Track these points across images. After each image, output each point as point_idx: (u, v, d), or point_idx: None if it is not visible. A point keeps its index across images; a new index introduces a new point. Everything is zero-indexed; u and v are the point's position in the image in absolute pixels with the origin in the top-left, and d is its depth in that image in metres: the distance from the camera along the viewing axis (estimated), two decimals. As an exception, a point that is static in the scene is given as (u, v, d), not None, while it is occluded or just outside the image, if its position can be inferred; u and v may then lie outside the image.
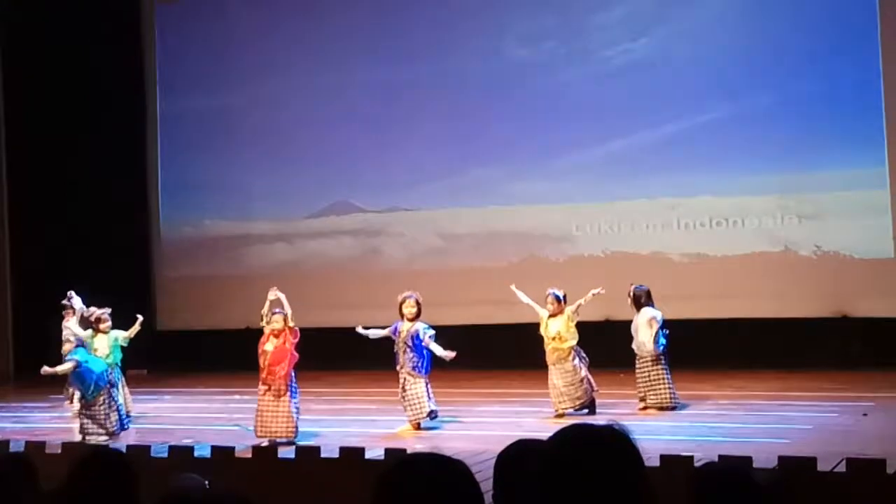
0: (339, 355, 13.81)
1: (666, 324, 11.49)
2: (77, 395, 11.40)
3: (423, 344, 10.82)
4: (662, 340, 11.39)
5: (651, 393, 11.41)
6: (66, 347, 12.35)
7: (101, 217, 16.80)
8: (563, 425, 2.39)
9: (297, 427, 10.32)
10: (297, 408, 10.40)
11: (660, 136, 15.26)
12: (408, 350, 10.83)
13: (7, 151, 17.56)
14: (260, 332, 10.62)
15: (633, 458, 2.28)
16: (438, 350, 10.78)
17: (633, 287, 11.65)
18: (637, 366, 11.50)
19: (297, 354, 10.42)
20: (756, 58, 14.83)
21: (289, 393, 10.32)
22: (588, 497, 2.21)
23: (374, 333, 11.04)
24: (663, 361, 11.39)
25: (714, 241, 15.08)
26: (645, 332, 11.43)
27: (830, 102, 14.51)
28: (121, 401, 11.49)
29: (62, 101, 17.02)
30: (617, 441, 2.29)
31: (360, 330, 11.05)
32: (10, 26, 17.39)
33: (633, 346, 11.53)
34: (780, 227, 14.81)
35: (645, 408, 11.38)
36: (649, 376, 11.43)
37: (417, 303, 10.94)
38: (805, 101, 14.59)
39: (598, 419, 10.40)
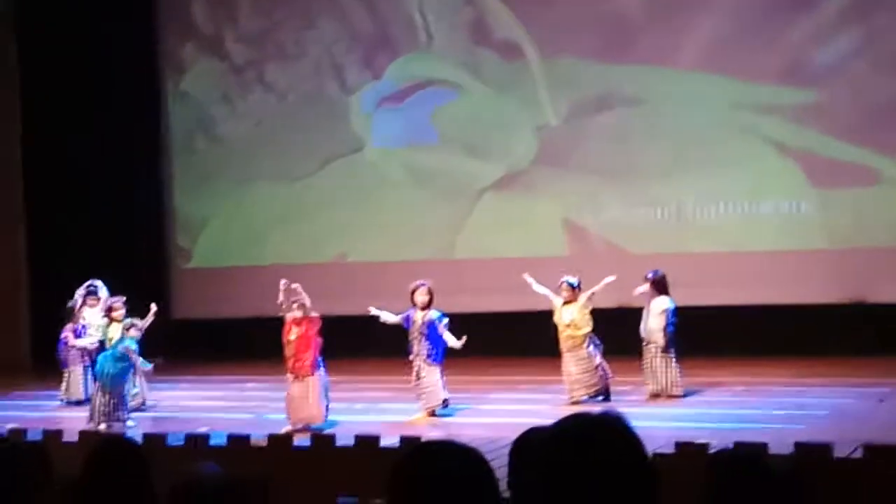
0: (353, 343, 13.82)
1: (679, 313, 11.46)
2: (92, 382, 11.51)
3: (438, 332, 10.82)
4: (671, 329, 11.37)
5: (653, 380, 11.41)
6: (89, 340, 12.42)
7: (117, 206, 16.83)
8: (569, 413, 2.39)
9: (327, 410, 10.31)
10: (327, 391, 10.38)
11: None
12: (423, 339, 10.84)
13: (23, 140, 17.61)
14: (277, 320, 10.64)
15: (632, 443, 2.28)
16: (451, 340, 10.78)
17: (648, 273, 11.63)
18: (643, 352, 11.50)
19: (321, 339, 10.41)
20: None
21: (318, 377, 10.30)
22: (591, 484, 2.22)
23: (385, 317, 11.05)
24: (670, 351, 11.37)
25: (729, 229, 15.03)
26: (654, 321, 11.42)
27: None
28: (135, 391, 11.55)
29: (77, 89, 17.02)
30: (615, 427, 2.29)
31: (372, 310, 11.07)
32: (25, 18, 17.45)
33: (641, 330, 11.50)
34: (795, 214, 14.76)
35: (654, 395, 11.37)
36: (652, 364, 11.43)
37: (430, 291, 10.95)
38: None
39: (613, 406, 10.44)
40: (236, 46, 17.35)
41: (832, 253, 14.55)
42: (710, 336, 13.63)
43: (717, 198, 15.14)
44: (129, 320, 11.42)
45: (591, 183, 15.59)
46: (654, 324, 11.41)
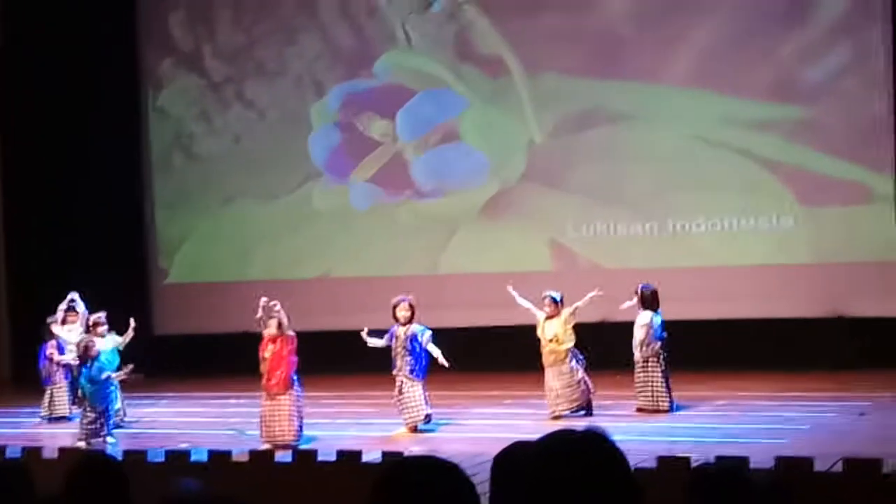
0: (335, 359, 13.80)
1: (666, 327, 11.47)
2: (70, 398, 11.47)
3: (423, 345, 10.81)
4: (656, 343, 11.37)
5: (641, 395, 11.43)
6: (71, 356, 12.33)
7: (96, 222, 16.76)
8: (555, 428, 2.40)
9: (300, 430, 10.30)
10: (300, 411, 10.37)
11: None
12: (405, 353, 10.83)
13: (1, 154, 17.51)
14: (258, 336, 10.63)
15: (616, 459, 2.29)
16: (437, 352, 10.77)
17: (639, 286, 11.63)
18: (635, 367, 11.50)
19: (295, 359, 10.40)
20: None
21: (290, 396, 10.30)
22: (575, 499, 2.23)
23: (373, 342, 11.02)
24: (656, 364, 11.37)
25: (710, 244, 15.06)
26: (639, 335, 11.44)
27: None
28: (117, 406, 11.50)
29: (56, 99, 16.93)
30: (599, 444, 2.30)
31: (363, 335, 11.02)
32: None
33: (633, 346, 11.52)
34: (775, 228, 14.82)
35: (638, 409, 11.39)
36: (640, 378, 11.45)
37: (411, 306, 10.94)
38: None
39: (595, 421, 10.45)
40: (214, 62, 17.24)
41: (814, 268, 14.60)
42: (691, 350, 13.65)
43: (703, 214, 15.13)
44: (110, 336, 11.41)
45: (576, 200, 15.54)
46: (639, 338, 11.43)
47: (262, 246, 16.89)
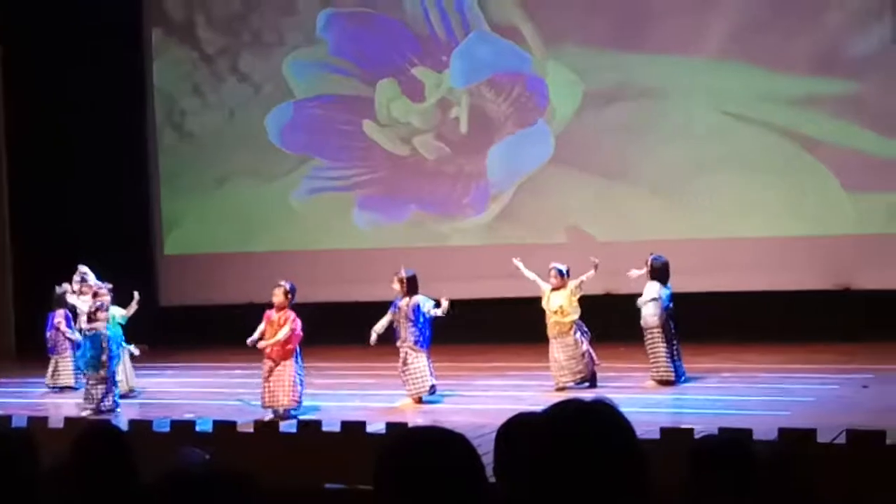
0: (340, 330, 13.81)
1: (673, 299, 11.45)
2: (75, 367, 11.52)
3: (427, 315, 10.80)
4: (663, 314, 11.37)
5: (652, 366, 11.44)
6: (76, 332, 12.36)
7: (102, 192, 16.75)
8: (561, 399, 2.40)
9: (300, 397, 10.35)
10: (302, 379, 10.43)
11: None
12: (409, 324, 10.84)
13: (7, 126, 17.50)
14: (263, 306, 10.71)
15: (623, 429, 2.29)
16: (438, 312, 10.74)
17: (651, 257, 11.61)
18: (644, 339, 11.50)
19: (300, 334, 10.42)
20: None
21: (293, 364, 10.34)
22: (582, 470, 2.23)
23: (381, 326, 11.00)
24: (665, 335, 11.37)
25: (716, 217, 14.89)
26: (649, 307, 11.43)
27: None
28: (119, 378, 11.51)
29: (62, 72, 16.88)
30: (607, 414, 2.30)
31: (374, 331, 11.00)
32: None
33: (641, 319, 11.52)
34: (782, 199, 14.55)
35: (655, 381, 11.39)
36: (650, 350, 11.45)
37: (401, 280, 10.85)
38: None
39: (599, 393, 10.46)
40: (208, 33, 16.91)
41: (819, 239, 14.47)
42: (695, 323, 13.66)
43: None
44: (113, 308, 11.45)
45: (599, 182, 15.03)
46: (647, 310, 11.42)
47: (265, 217, 16.82)
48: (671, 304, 11.42)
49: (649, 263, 11.51)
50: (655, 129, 14.87)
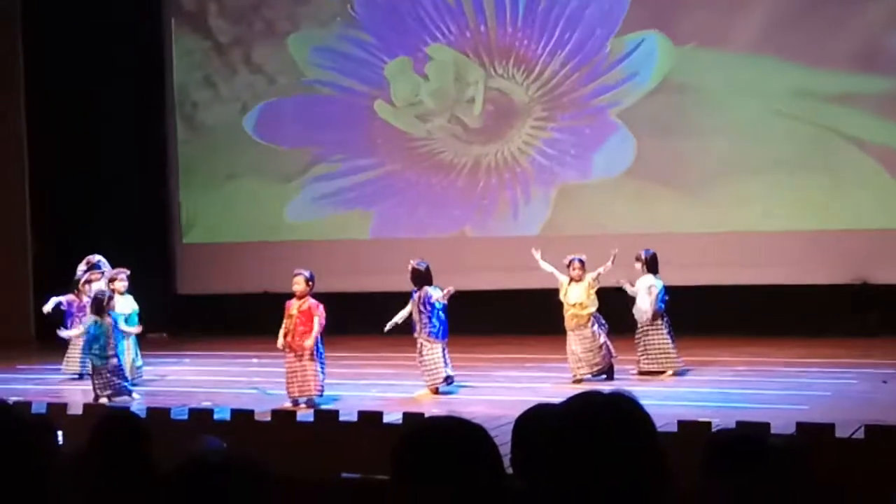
0: (359, 320, 13.82)
1: (684, 292, 11.47)
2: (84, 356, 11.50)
3: (436, 305, 10.76)
4: (660, 305, 11.39)
5: (644, 358, 11.47)
6: (73, 331, 12.31)
7: (122, 180, 16.80)
8: (578, 391, 2.40)
9: (323, 386, 10.36)
10: (324, 369, 10.43)
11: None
12: (422, 316, 10.84)
13: (28, 119, 17.55)
14: (282, 296, 10.71)
15: (643, 422, 2.28)
16: (440, 296, 10.69)
17: (642, 251, 11.67)
18: (636, 331, 11.52)
19: (323, 322, 10.41)
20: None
21: (316, 354, 10.35)
22: (600, 461, 2.22)
23: (400, 317, 11.00)
24: (661, 326, 11.39)
25: (733, 210, 14.80)
26: (643, 299, 11.45)
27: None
28: (124, 361, 11.36)
29: (82, 56, 16.91)
30: (627, 407, 2.30)
31: (393, 321, 11.00)
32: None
33: (633, 311, 11.55)
34: (799, 195, 14.48)
35: (639, 372, 11.43)
36: (643, 341, 11.47)
37: (412, 270, 10.87)
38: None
39: (617, 385, 10.46)
40: (219, 22, 16.87)
41: (837, 234, 14.39)
42: (712, 316, 13.63)
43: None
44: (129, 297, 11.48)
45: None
46: (641, 302, 11.44)
47: (280, 208, 16.82)
48: (666, 296, 11.46)
49: (643, 257, 11.56)
50: (689, 124, 14.73)
